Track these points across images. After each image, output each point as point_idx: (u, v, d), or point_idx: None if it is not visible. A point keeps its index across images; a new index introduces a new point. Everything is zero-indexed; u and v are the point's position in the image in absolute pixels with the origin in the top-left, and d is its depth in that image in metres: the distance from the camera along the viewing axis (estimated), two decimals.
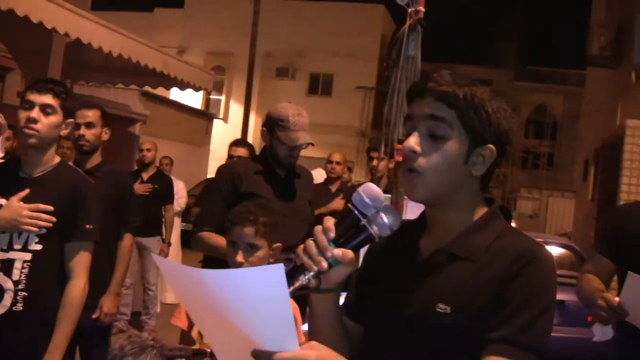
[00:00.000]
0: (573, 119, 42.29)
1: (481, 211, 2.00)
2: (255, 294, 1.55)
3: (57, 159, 3.74)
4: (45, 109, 3.59)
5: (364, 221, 1.84)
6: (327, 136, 32.36)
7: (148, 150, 9.29)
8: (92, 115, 4.90)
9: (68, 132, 3.76)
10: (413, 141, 1.91)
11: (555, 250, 9.50)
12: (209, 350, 2.97)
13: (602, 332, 3.40)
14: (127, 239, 5.03)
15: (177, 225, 10.94)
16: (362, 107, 33.73)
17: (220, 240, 4.15)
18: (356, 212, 1.84)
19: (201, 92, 27.39)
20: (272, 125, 4.40)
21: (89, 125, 4.85)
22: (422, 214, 2.09)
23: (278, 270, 1.51)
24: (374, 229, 1.84)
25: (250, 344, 1.62)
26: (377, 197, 1.84)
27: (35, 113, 3.55)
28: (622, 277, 3.74)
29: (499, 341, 1.78)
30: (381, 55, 33.33)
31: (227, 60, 34.92)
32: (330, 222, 1.84)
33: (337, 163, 8.51)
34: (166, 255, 9.35)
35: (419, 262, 1.98)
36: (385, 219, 1.84)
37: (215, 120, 25.07)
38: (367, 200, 1.83)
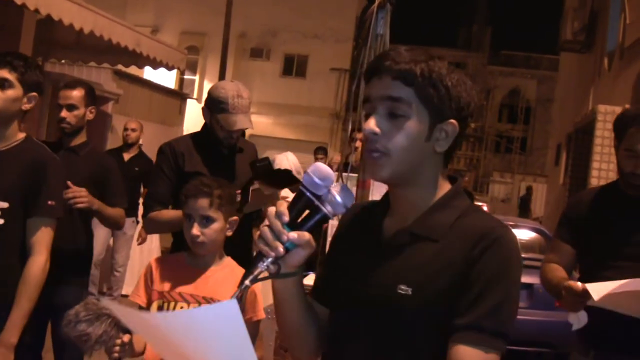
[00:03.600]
0: (546, 104, 42.59)
1: (445, 189, 1.98)
2: (213, 331, 1.56)
3: (22, 135, 3.69)
4: (1, 84, 3.54)
5: (316, 201, 1.83)
6: (301, 117, 32.36)
7: (133, 130, 9.16)
8: (74, 95, 4.72)
9: (31, 107, 3.68)
10: (373, 123, 1.88)
11: (525, 234, 9.54)
12: None
13: (578, 320, 3.42)
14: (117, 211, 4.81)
15: None
16: (336, 89, 33.66)
17: (171, 213, 4.11)
18: (308, 193, 1.83)
19: (175, 72, 27.22)
20: (212, 105, 4.29)
21: (71, 107, 4.69)
22: (386, 194, 2.06)
23: (232, 306, 1.51)
24: (328, 208, 1.83)
25: None
26: (327, 177, 1.83)
27: None
28: (581, 263, 3.78)
29: (465, 328, 1.78)
30: (355, 37, 33.27)
31: (201, 40, 34.70)
32: (282, 206, 1.82)
33: (320, 158, 8.51)
34: (144, 240, 9.23)
35: (382, 243, 1.96)
36: (338, 197, 1.83)
37: (189, 101, 24.94)
38: (317, 180, 1.82)
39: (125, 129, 9.22)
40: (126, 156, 9.05)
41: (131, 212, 9.06)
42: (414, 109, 1.88)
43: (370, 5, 3.90)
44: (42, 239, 3.59)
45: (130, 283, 8.78)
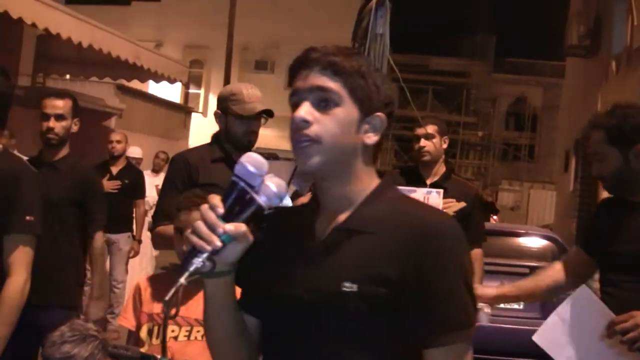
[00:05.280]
0: (553, 111, 42.36)
1: (375, 182, 1.92)
2: None
3: None
4: None
5: (251, 192, 1.73)
6: None
7: (118, 142, 8.94)
8: (63, 105, 4.55)
9: None
10: (304, 111, 1.82)
11: (538, 242, 9.37)
12: (159, 356, 2.78)
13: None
14: (98, 238, 4.73)
15: None
16: None
17: None
18: (242, 183, 1.73)
19: (180, 87, 27.14)
20: (225, 102, 4.11)
21: (60, 117, 4.50)
22: (314, 196, 1.99)
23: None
24: (262, 199, 1.73)
25: None
26: (262, 166, 1.74)
27: None
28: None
29: (436, 331, 1.75)
30: (352, 37, 33.05)
31: (205, 54, 34.64)
32: (215, 198, 1.74)
33: None
34: (137, 253, 9.04)
35: (316, 244, 1.87)
36: (273, 187, 1.74)
37: (194, 115, 24.88)
38: (251, 169, 1.72)
39: (110, 142, 8.99)
40: (114, 169, 8.86)
41: (126, 227, 8.90)
42: (344, 99, 1.84)
43: (368, 4, 3.72)
44: (21, 258, 3.35)
45: None
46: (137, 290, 3.10)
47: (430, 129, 5.26)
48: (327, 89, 1.83)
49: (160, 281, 3.17)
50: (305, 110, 1.82)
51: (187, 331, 2.94)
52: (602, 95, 17.50)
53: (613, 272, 3.40)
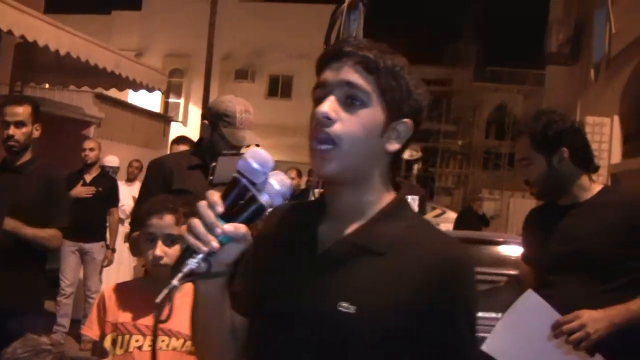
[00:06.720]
0: None
1: (391, 195, 1.81)
2: None
3: None
4: None
5: (252, 190, 1.61)
6: (287, 138, 32.19)
7: (91, 149, 8.83)
8: (22, 112, 4.51)
9: None
10: (327, 106, 1.69)
11: (517, 251, 9.34)
12: None
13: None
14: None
15: None
16: None
17: None
18: (244, 180, 1.61)
19: (160, 96, 27.04)
20: (216, 119, 4.04)
21: (20, 124, 4.48)
22: (322, 195, 1.86)
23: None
24: (264, 198, 1.62)
25: None
26: (267, 162, 1.61)
27: None
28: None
29: None
30: (325, 39, 33.05)
31: (186, 63, 34.58)
32: (215, 195, 1.61)
33: (292, 179, 8.46)
34: (110, 262, 8.93)
35: (319, 253, 1.75)
36: (277, 186, 1.62)
37: (174, 124, 24.78)
38: (255, 165, 1.60)
39: (84, 150, 8.86)
40: (88, 177, 8.75)
41: (99, 236, 8.80)
42: (372, 100, 1.71)
43: (341, 6, 3.67)
44: None
45: None
46: (102, 299, 3.03)
47: None
48: (356, 85, 1.70)
49: (127, 289, 3.10)
50: (330, 106, 1.69)
51: (152, 340, 2.88)
52: (581, 103, 17.56)
53: (550, 274, 3.45)
